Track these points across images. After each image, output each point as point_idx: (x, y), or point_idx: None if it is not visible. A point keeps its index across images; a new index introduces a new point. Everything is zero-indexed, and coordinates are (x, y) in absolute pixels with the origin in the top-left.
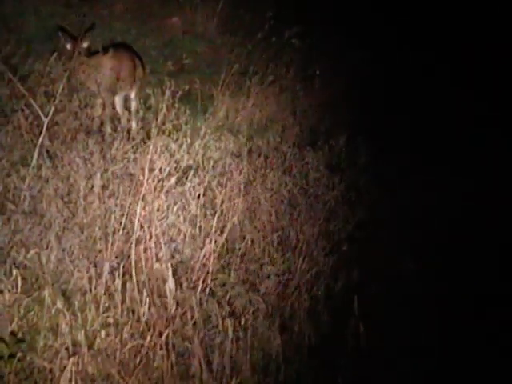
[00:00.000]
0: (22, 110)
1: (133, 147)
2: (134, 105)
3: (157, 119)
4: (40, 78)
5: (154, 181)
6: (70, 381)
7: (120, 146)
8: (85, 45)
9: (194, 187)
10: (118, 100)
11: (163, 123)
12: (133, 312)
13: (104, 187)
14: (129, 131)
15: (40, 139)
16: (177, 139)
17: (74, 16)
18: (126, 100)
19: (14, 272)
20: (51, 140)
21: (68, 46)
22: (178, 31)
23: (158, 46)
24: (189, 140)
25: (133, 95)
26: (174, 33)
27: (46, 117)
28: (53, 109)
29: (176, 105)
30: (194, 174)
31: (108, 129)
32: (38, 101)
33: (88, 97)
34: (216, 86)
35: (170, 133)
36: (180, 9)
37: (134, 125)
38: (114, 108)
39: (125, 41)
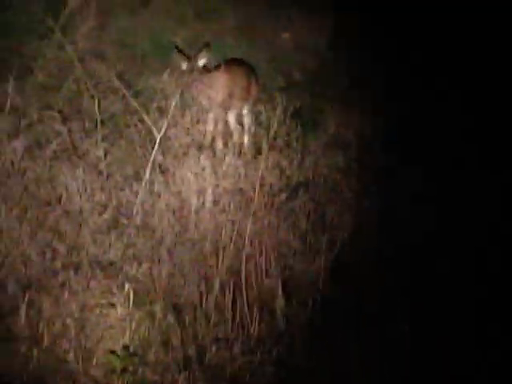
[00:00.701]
0: (136, 126)
1: (244, 163)
2: (246, 120)
3: (268, 135)
4: (153, 93)
5: (264, 196)
6: None
7: (231, 162)
8: (201, 63)
9: (304, 203)
10: (231, 116)
11: (274, 139)
12: (243, 327)
13: (215, 202)
14: (240, 147)
15: (152, 154)
16: (287, 155)
17: (187, 32)
18: (239, 115)
19: (127, 286)
20: (163, 155)
21: (183, 66)
22: (288, 46)
23: (268, 61)
24: (299, 156)
25: (245, 111)
26: (285, 48)
27: (159, 132)
28: (165, 124)
29: (287, 121)
30: (304, 190)
31: (219, 144)
32: (151, 116)
33: (200, 112)
34: (327, 101)
35: (280, 149)
36: (291, 24)
37: (245, 140)
38: (226, 123)
39: (235, 56)
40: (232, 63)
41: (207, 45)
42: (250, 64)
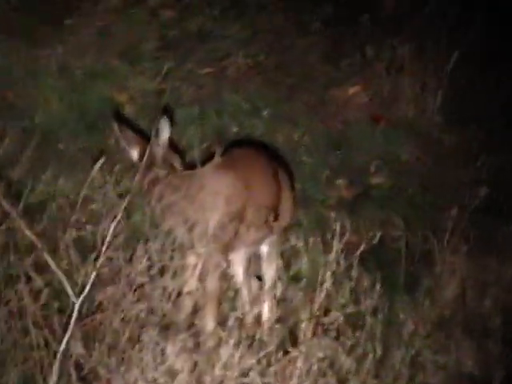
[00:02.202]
0: (28, 279)
1: (260, 361)
2: (269, 270)
3: (311, 302)
4: (67, 208)
5: None
6: None
7: (234, 359)
8: (160, 148)
9: None
10: (237, 258)
11: (325, 313)
12: None
13: None
14: (253, 326)
15: (63, 342)
16: (352, 346)
17: (147, 74)
18: (252, 258)
19: None
20: (86, 344)
21: (133, 154)
22: (359, 114)
23: (317, 144)
24: (378, 350)
25: (267, 248)
26: (352, 118)
27: (79, 295)
28: (92, 276)
29: (353, 272)
30: None
31: (209, 321)
32: (62, 259)
33: (169, 252)
34: (438, 234)
35: (337, 333)
36: (367, 71)
37: (266, 311)
38: (224, 274)
39: (250, 133)
40: (241, 151)
41: (166, 110)
42: (277, 152)
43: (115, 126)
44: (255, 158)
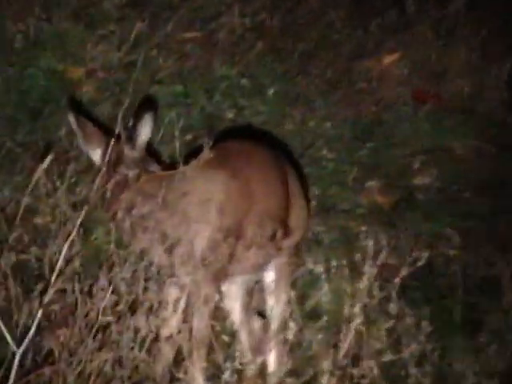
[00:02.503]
0: None
1: None
2: (277, 304)
3: (335, 347)
4: (3, 223)
5: None
6: None
7: None
8: (134, 152)
9: None
10: (234, 291)
11: (354, 361)
12: None
13: None
14: (258, 379)
15: None
16: None
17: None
18: (254, 287)
19: None
20: None
21: (95, 154)
22: (397, 93)
23: (341, 133)
24: None
25: (274, 275)
26: (388, 97)
27: (20, 341)
28: (38, 316)
29: (391, 306)
30: None
31: (197, 374)
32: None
33: (141, 282)
34: (507, 253)
35: None
36: (407, 34)
37: (273, 360)
38: (217, 312)
39: (253, 119)
40: (237, 143)
41: (149, 100)
42: (286, 145)
43: (70, 116)
44: (256, 153)
